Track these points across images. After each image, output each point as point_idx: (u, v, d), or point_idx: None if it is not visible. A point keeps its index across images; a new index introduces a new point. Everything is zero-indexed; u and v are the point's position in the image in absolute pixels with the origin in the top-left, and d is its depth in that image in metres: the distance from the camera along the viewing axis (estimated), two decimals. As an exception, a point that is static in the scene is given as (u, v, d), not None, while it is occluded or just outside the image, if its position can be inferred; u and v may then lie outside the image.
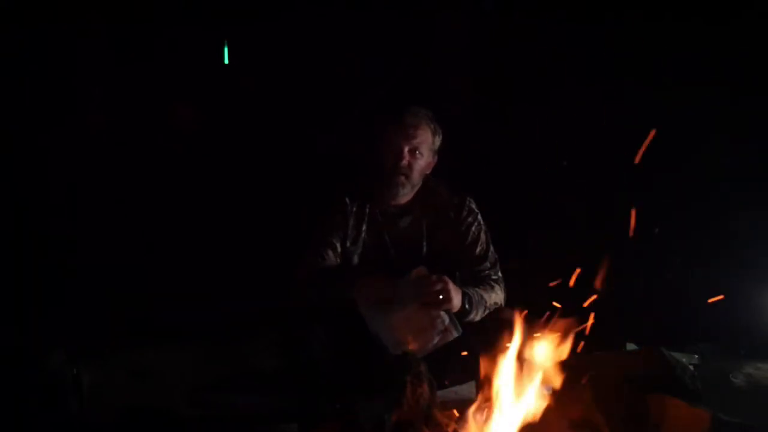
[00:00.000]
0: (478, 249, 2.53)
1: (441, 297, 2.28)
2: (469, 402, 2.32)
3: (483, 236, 2.54)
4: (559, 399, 2.28)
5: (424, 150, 2.48)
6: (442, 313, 2.30)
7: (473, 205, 2.57)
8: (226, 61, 3.84)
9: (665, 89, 3.46)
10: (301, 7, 3.73)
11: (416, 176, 2.49)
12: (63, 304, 3.32)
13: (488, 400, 2.14)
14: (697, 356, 3.12)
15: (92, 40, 3.61)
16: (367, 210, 2.52)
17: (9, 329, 2.96)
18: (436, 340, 2.31)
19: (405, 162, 2.45)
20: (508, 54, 3.75)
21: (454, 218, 2.54)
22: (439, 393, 2.31)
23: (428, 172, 2.55)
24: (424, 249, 2.52)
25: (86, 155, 3.62)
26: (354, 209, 2.52)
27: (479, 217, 2.57)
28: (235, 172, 3.75)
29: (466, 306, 2.35)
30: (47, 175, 3.57)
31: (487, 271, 2.50)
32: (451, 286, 2.31)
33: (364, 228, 2.51)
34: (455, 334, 2.31)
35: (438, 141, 2.54)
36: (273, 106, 3.80)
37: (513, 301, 2.53)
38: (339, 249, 2.49)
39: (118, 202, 3.62)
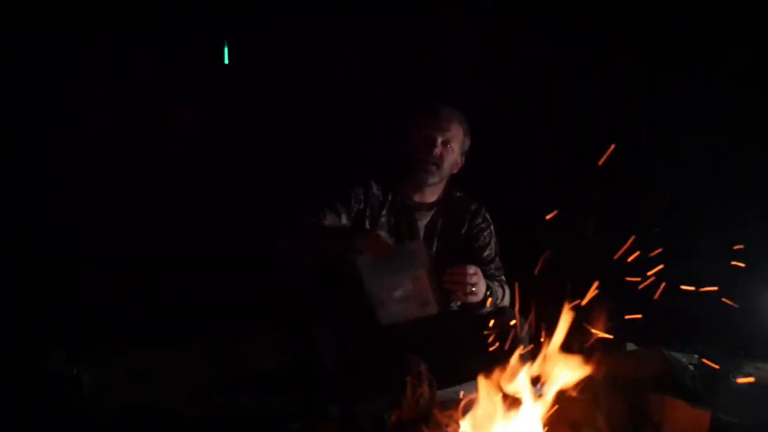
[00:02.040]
0: (487, 252, 2.59)
1: (473, 290, 2.30)
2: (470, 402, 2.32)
3: (492, 244, 2.61)
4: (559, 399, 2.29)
5: (455, 145, 2.52)
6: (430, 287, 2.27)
7: (487, 215, 2.64)
8: (226, 61, 3.84)
9: (667, 87, 3.46)
10: (301, 7, 3.73)
11: (446, 169, 2.52)
12: (63, 304, 3.32)
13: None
14: (697, 356, 3.11)
15: (92, 40, 3.61)
16: (390, 198, 2.54)
17: (9, 329, 2.96)
18: (416, 313, 2.29)
19: (437, 151, 2.47)
20: (508, 54, 3.75)
21: (469, 222, 2.60)
22: (439, 393, 2.31)
23: (455, 171, 2.58)
24: (435, 246, 2.56)
25: (86, 155, 3.61)
26: (377, 193, 2.54)
27: (492, 227, 2.64)
28: (235, 172, 3.75)
29: (487, 294, 2.38)
30: (47, 175, 3.57)
31: (492, 272, 2.54)
32: (482, 281, 2.34)
33: (384, 213, 2.53)
34: (435, 311, 2.29)
35: (467, 143, 2.58)
36: (273, 106, 3.80)
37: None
38: (343, 220, 2.48)
39: (118, 202, 3.61)
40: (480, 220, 2.61)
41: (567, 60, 3.64)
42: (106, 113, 3.70)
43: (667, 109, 3.48)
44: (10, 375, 2.59)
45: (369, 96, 3.78)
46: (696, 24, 3.44)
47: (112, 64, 3.66)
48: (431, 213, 2.56)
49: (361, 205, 2.50)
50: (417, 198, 2.55)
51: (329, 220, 2.45)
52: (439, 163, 2.49)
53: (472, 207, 2.62)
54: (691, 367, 2.77)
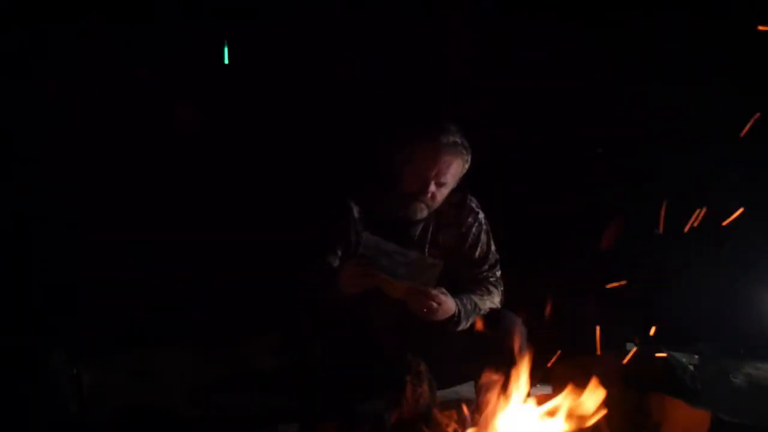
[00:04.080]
0: (478, 251, 2.51)
1: (425, 311, 2.27)
2: (469, 402, 2.33)
3: (483, 237, 2.52)
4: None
5: (451, 182, 2.40)
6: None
7: (473, 204, 2.54)
8: (226, 61, 3.84)
9: (667, 87, 3.46)
10: (301, 7, 3.72)
11: (436, 204, 2.42)
12: (63, 304, 3.31)
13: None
14: (697, 356, 3.11)
15: (92, 40, 3.61)
16: (374, 219, 2.44)
17: (9, 329, 2.96)
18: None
19: (429, 195, 2.37)
20: (508, 54, 3.75)
21: (456, 219, 2.50)
22: (439, 393, 2.31)
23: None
24: (426, 252, 2.47)
25: (86, 155, 3.61)
26: (360, 216, 2.45)
27: (480, 216, 2.53)
28: (235, 172, 3.74)
29: (455, 318, 2.33)
30: (47, 174, 3.57)
31: (485, 273, 2.49)
32: (443, 307, 2.28)
33: None
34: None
35: (466, 168, 2.44)
36: (272, 105, 3.79)
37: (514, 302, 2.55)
38: (340, 254, 2.43)
39: (118, 202, 3.61)
40: (466, 213, 2.50)
41: (567, 60, 3.64)
42: (106, 113, 3.70)
43: (667, 108, 3.48)
44: (10, 375, 2.59)
45: (369, 96, 3.78)
46: (696, 24, 3.44)
47: (113, 64, 3.65)
48: (420, 224, 2.47)
49: (348, 235, 2.43)
50: (405, 215, 2.45)
51: (332, 264, 2.40)
52: (429, 203, 2.39)
53: (455, 200, 2.50)
54: (691, 367, 2.77)
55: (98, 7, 3.55)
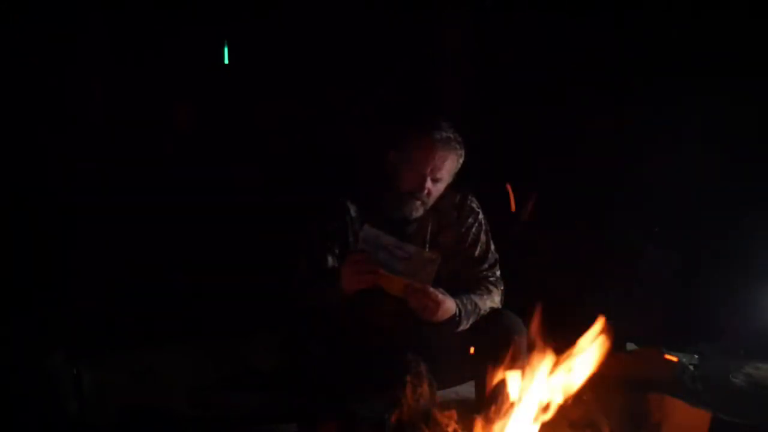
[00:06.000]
0: (478, 251, 2.50)
1: (425, 311, 2.27)
2: (469, 402, 2.33)
3: (483, 236, 2.52)
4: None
5: (446, 177, 2.42)
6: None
7: (474, 204, 2.54)
8: (226, 61, 3.84)
9: (668, 87, 3.46)
10: (301, 7, 3.73)
11: (432, 200, 2.44)
12: (63, 304, 3.32)
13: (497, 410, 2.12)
14: (697, 356, 3.11)
15: (92, 40, 3.62)
16: (371, 219, 2.42)
17: (9, 329, 2.96)
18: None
19: (426, 191, 2.39)
20: (508, 52, 3.75)
21: (456, 219, 2.50)
22: (439, 393, 2.31)
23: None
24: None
25: (86, 154, 3.62)
26: (357, 216, 2.45)
27: (480, 216, 2.53)
28: (234, 172, 3.75)
29: (455, 318, 2.33)
30: (47, 174, 3.57)
31: (485, 272, 2.49)
32: (443, 308, 2.28)
33: None
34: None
35: (460, 163, 2.44)
36: (271, 105, 3.80)
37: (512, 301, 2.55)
38: (337, 253, 2.43)
39: (118, 201, 3.62)
40: (466, 213, 2.51)
41: (568, 57, 3.65)
42: (106, 112, 3.71)
43: (669, 108, 3.49)
44: (10, 375, 2.59)
45: (369, 96, 3.78)
46: (697, 24, 3.45)
47: (112, 63, 3.66)
48: (418, 222, 2.47)
49: (345, 235, 2.43)
50: (401, 214, 2.44)
51: (328, 263, 2.41)
52: (426, 200, 2.41)
53: (457, 200, 2.51)
54: (691, 367, 2.77)
55: (98, 6, 3.56)
